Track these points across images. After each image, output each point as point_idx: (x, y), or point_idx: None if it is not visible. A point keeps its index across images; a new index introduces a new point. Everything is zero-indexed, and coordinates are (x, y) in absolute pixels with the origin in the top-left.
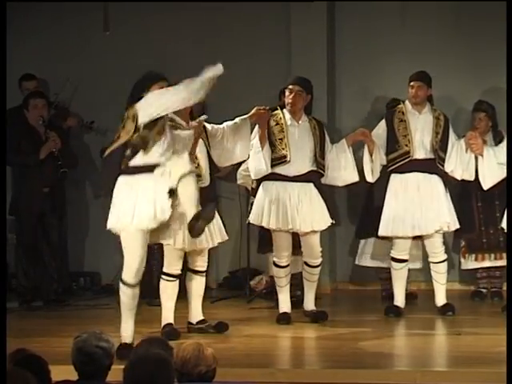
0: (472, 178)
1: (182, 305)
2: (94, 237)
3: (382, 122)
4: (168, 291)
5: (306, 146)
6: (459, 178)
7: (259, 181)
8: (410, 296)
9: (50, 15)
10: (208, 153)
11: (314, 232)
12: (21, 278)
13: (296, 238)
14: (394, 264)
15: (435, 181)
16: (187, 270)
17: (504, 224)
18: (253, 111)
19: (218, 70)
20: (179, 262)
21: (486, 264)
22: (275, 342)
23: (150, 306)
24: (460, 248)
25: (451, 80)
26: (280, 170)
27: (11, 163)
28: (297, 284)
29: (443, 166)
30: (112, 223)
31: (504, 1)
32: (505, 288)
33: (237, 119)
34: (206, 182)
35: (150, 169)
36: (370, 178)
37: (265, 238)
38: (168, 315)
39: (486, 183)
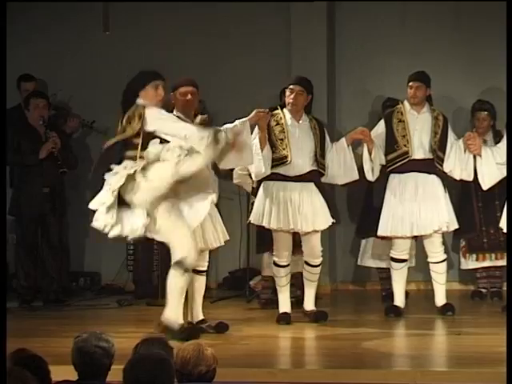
0: (470, 178)
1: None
2: (94, 237)
3: (381, 122)
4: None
5: (307, 146)
6: (458, 178)
7: (260, 181)
8: (386, 296)
9: (50, 15)
10: None
11: (315, 232)
12: (21, 278)
13: (295, 238)
14: (393, 264)
15: (434, 181)
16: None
17: (502, 224)
18: (253, 114)
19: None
20: (205, 256)
21: (487, 264)
22: (275, 342)
23: (150, 306)
24: (460, 248)
25: (450, 80)
26: (281, 170)
27: (11, 163)
28: (296, 284)
29: (442, 165)
30: None
31: (504, 1)
32: (504, 288)
33: (237, 122)
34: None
35: None
36: (370, 177)
37: (262, 237)
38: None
39: (485, 183)
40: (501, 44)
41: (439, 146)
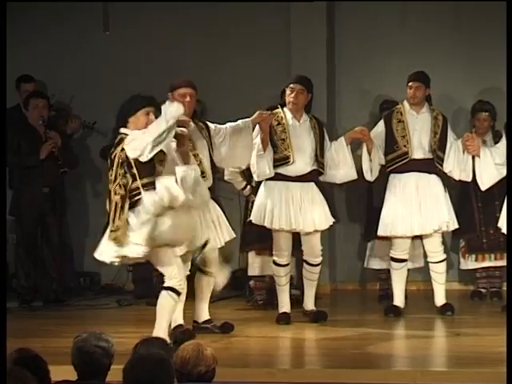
0: (469, 179)
1: (187, 305)
2: (94, 237)
3: (381, 123)
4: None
5: (308, 146)
6: (457, 179)
7: (260, 180)
8: (382, 296)
9: (50, 15)
10: (210, 152)
11: (316, 231)
12: (21, 278)
13: (294, 238)
14: (393, 264)
15: (434, 180)
16: (197, 270)
17: (501, 224)
18: (255, 115)
19: (178, 111)
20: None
21: (486, 264)
22: (275, 342)
23: (150, 306)
24: (460, 248)
25: (450, 80)
26: (282, 170)
27: (12, 165)
28: (293, 283)
29: (442, 165)
30: None
31: (503, 1)
32: (504, 288)
33: (239, 121)
34: (210, 181)
35: None
36: (369, 177)
37: (245, 236)
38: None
39: (484, 184)
40: (501, 44)
41: (439, 145)
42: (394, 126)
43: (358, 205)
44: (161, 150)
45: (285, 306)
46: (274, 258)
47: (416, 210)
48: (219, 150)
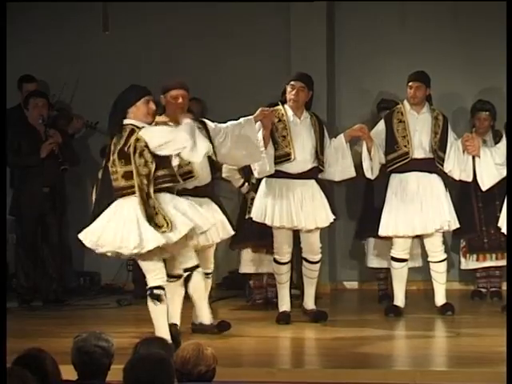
0: (469, 179)
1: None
2: None
3: (381, 122)
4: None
5: (308, 143)
6: (457, 178)
7: (261, 177)
8: (382, 296)
9: (50, 15)
10: None
11: (316, 228)
12: (21, 278)
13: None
14: (394, 263)
15: (435, 180)
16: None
17: (501, 223)
18: (257, 112)
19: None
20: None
21: (487, 264)
22: (275, 342)
23: None
24: (460, 248)
25: (450, 80)
26: (282, 167)
27: (12, 165)
28: (293, 282)
29: (442, 165)
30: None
31: (503, 1)
32: (504, 288)
33: (241, 119)
34: (202, 180)
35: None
36: (369, 175)
37: (242, 233)
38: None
39: (484, 184)
40: (500, 44)
41: (439, 145)
42: (395, 126)
43: (358, 203)
44: None
45: (285, 304)
46: (275, 256)
47: (417, 210)
48: (221, 149)
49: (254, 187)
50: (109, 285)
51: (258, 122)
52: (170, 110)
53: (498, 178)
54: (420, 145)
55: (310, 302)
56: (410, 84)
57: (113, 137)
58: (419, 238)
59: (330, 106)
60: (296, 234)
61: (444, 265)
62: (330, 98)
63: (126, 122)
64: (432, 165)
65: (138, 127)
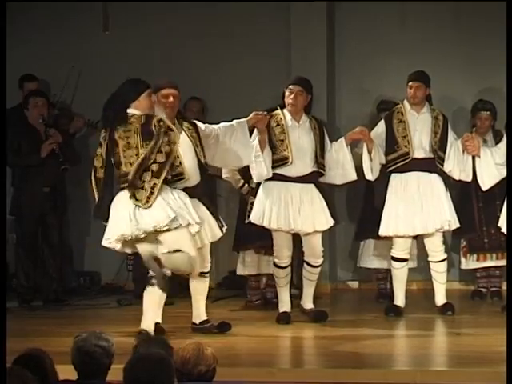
0: (469, 179)
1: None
2: (95, 236)
3: (381, 123)
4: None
5: (307, 147)
6: (457, 178)
7: (259, 181)
8: (380, 295)
9: (50, 15)
10: (196, 152)
11: (316, 232)
12: (21, 278)
13: (295, 239)
14: (394, 263)
15: (435, 180)
16: None
17: (501, 223)
18: (251, 116)
19: None
20: None
21: (488, 264)
22: (275, 342)
23: None
24: (461, 248)
25: (450, 80)
26: (281, 170)
27: (13, 164)
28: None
29: (442, 165)
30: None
31: (503, 0)
32: (504, 287)
33: (234, 122)
34: (192, 182)
35: None
36: (369, 176)
37: (244, 235)
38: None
39: (485, 184)
40: (500, 44)
41: (440, 145)
42: (395, 126)
43: (359, 205)
44: None
45: (285, 305)
46: (275, 259)
47: (418, 210)
48: (211, 150)
49: (254, 192)
50: (109, 284)
51: (255, 131)
52: (160, 109)
53: (498, 178)
54: (420, 145)
55: (308, 302)
56: (410, 84)
57: (113, 129)
58: (417, 238)
59: (330, 106)
60: (296, 237)
61: (444, 264)
62: (330, 98)
63: (132, 111)
64: (432, 165)
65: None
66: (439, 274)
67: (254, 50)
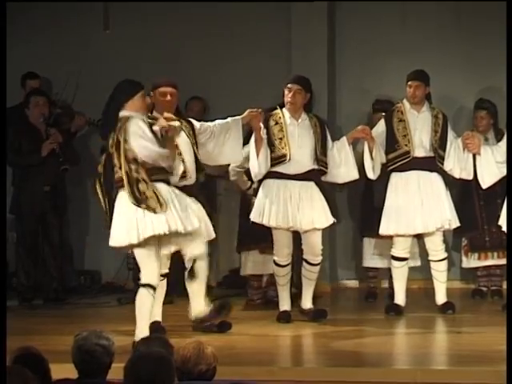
0: (470, 177)
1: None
2: (95, 235)
3: (382, 122)
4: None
5: (307, 144)
6: (457, 177)
7: (260, 180)
8: (369, 294)
9: (50, 15)
10: (194, 150)
11: (316, 230)
12: (21, 277)
13: (295, 238)
14: (394, 262)
15: (436, 178)
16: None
17: (501, 222)
18: (245, 113)
19: None
20: (166, 261)
21: (489, 263)
22: (275, 341)
23: None
24: (462, 247)
25: (451, 79)
26: (281, 168)
27: (13, 164)
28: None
29: (443, 164)
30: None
31: (503, 0)
32: (505, 286)
33: (229, 119)
34: (192, 179)
35: None
36: (371, 175)
37: (245, 236)
38: (155, 313)
39: (485, 182)
40: (501, 43)
41: (440, 144)
42: (395, 125)
43: (359, 203)
44: None
45: (285, 304)
46: (274, 257)
47: (418, 209)
48: (205, 147)
49: (255, 191)
50: (109, 283)
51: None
52: (158, 107)
53: (498, 177)
54: (421, 143)
55: (307, 303)
56: (410, 83)
57: (115, 132)
58: (418, 236)
59: (331, 105)
60: (297, 235)
61: (445, 263)
62: (331, 98)
63: (122, 114)
64: (433, 163)
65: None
66: (440, 272)
67: (255, 49)
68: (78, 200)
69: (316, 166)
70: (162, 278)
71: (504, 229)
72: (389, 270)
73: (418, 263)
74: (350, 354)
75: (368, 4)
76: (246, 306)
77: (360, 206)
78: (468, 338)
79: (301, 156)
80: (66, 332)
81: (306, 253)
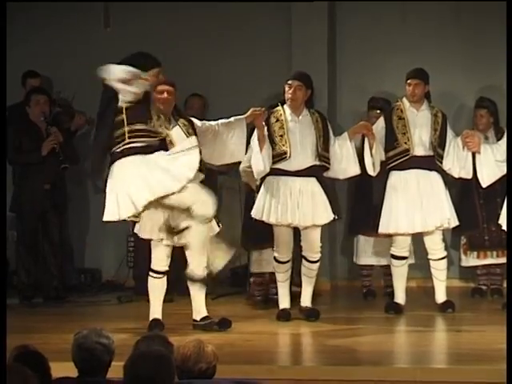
0: (469, 177)
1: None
2: (95, 233)
3: (381, 120)
4: (156, 289)
5: (308, 141)
6: (456, 176)
7: (262, 177)
8: (368, 293)
9: (50, 13)
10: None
11: (315, 227)
12: (21, 275)
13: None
14: (394, 261)
15: (435, 177)
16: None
17: (501, 221)
18: (249, 112)
19: None
20: (167, 259)
21: (488, 261)
22: (275, 339)
23: None
24: (461, 245)
25: (452, 77)
26: (281, 165)
27: (13, 162)
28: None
29: (442, 163)
30: None
31: (503, 0)
32: (505, 285)
33: (232, 118)
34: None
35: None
36: (371, 172)
37: (254, 234)
38: (155, 310)
39: (485, 181)
40: (501, 41)
41: (439, 142)
42: (395, 123)
43: (352, 201)
44: None
45: (285, 302)
46: (275, 254)
47: (417, 207)
48: (209, 147)
49: (258, 189)
50: (109, 281)
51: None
52: (155, 105)
53: (498, 175)
54: (420, 141)
55: (306, 300)
56: (409, 81)
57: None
58: (414, 235)
59: (331, 103)
60: (297, 232)
61: (444, 262)
62: (331, 96)
63: None
64: (432, 162)
65: None
66: (439, 271)
67: (255, 48)
68: (78, 198)
69: (317, 162)
70: (162, 276)
71: (504, 227)
72: (383, 267)
73: (413, 261)
74: (349, 353)
75: (368, 3)
76: (246, 304)
77: (353, 203)
78: (468, 336)
79: (301, 153)
80: (66, 330)
81: (305, 250)
